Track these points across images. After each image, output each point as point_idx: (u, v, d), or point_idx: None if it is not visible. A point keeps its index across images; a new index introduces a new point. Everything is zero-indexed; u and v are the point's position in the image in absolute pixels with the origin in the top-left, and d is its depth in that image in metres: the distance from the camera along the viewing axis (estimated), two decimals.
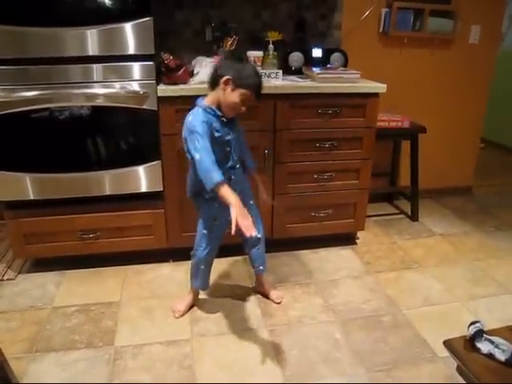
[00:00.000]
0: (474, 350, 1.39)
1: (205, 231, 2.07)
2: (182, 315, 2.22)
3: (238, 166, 2.01)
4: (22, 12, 2.07)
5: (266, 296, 2.37)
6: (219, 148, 1.86)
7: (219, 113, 1.84)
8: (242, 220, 1.65)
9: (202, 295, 2.35)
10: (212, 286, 2.43)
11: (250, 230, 1.65)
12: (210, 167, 1.73)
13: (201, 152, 1.75)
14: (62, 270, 2.56)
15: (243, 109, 1.84)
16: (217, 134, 1.84)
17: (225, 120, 1.87)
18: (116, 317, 2.21)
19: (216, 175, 1.71)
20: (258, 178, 2.13)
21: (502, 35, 4.16)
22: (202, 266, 2.15)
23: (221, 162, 1.85)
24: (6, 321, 2.16)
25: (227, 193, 1.71)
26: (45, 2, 2.08)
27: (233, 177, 1.97)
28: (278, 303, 2.33)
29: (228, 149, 1.92)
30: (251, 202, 2.12)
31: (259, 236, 2.17)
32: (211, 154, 1.76)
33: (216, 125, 1.84)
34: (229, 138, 1.90)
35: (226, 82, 1.78)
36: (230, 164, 1.95)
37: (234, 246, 2.39)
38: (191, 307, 2.28)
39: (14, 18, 2.06)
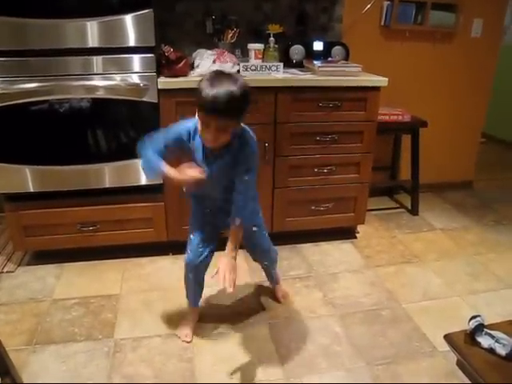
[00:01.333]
0: (474, 345, 1.39)
1: (191, 235, 1.96)
2: (192, 337, 2.04)
3: (223, 205, 1.82)
4: (22, 3, 2.05)
5: (273, 291, 2.34)
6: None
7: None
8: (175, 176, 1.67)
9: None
10: (212, 280, 2.43)
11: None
12: (150, 158, 1.70)
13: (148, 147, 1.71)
14: (61, 263, 2.56)
15: (208, 134, 1.57)
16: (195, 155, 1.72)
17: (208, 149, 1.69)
18: (116, 309, 2.21)
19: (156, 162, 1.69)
20: (232, 234, 1.78)
21: (505, 29, 4.14)
22: (190, 275, 1.99)
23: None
24: (5, 313, 2.16)
25: (168, 171, 1.69)
26: None
27: (216, 215, 1.89)
28: (279, 302, 2.30)
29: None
30: (254, 229, 1.97)
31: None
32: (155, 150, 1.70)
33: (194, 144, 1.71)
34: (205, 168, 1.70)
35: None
36: (207, 201, 1.88)
37: None
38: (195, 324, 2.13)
39: (14, 10, 2.04)
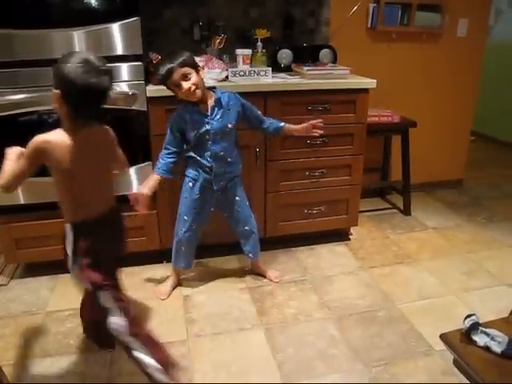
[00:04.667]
0: (470, 343, 1.39)
1: (185, 217, 2.24)
2: (168, 295, 2.36)
3: (221, 153, 2.13)
4: (9, 14, 2.04)
5: (264, 276, 2.50)
6: (197, 138, 2.09)
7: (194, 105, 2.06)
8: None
9: (198, 296, 2.35)
10: (206, 286, 2.43)
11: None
12: (160, 156, 2.14)
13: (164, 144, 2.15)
14: (54, 274, 2.53)
15: (184, 88, 1.96)
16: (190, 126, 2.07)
17: (202, 111, 2.06)
18: None
19: (157, 165, 2.13)
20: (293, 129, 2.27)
21: (489, 28, 4.18)
22: (183, 248, 2.31)
23: (199, 150, 2.12)
24: None
25: (149, 180, 2.10)
26: (31, 3, 2.06)
27: (213, 166, 2.13)
28: (277, 282, 2.47)
29: (206, 137, 2.08)
30: (237, 199, 2.27)
31: (247, 228, 2.36)
32: (169, 147, 2.12)
33: (191, 117, 2.06)
34: (205, 129, 2.06)
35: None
36: (207, 153, 2.11)
37: (228, 245, 2.39)
38: (175, 287, 2.42)
39: (0, 21, 2.04)
